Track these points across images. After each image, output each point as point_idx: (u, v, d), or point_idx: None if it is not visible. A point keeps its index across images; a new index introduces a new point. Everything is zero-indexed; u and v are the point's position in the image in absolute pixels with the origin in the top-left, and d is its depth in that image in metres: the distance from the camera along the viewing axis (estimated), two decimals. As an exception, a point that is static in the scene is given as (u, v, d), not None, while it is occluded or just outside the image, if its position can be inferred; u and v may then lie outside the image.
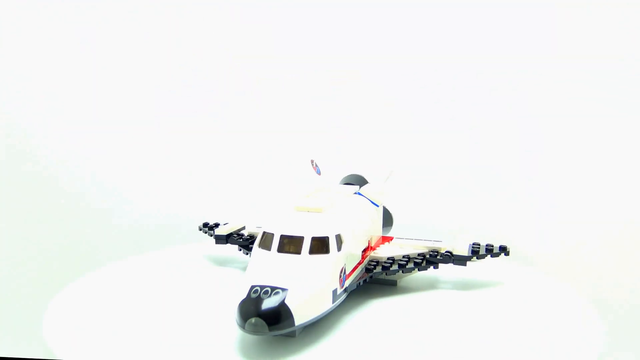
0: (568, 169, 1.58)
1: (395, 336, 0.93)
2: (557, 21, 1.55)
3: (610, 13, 1.51)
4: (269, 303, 0.81)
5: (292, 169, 1.68)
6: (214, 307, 1.03)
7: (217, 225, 1.33)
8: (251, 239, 1.24)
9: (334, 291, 0.91)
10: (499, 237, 1.27)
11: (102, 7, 1.64)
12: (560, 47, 1.55)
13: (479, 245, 1.15)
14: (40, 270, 1.65)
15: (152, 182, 1.72)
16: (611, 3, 1.50)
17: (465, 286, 1.15)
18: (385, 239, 1.24)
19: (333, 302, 0.92)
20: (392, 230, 1.32)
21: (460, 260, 1.10)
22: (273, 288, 0.83)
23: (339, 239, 0.94)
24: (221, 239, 1.24)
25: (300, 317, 0.83)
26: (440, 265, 1.12)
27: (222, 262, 1.30)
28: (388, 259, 1.10)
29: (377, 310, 1.03)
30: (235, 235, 1.25)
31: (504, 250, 1.14)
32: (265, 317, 0.80)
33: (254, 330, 0.81)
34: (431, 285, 1.15)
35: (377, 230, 1.21)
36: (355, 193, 1.20)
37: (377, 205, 1.23)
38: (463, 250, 1.11)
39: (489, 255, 1.13)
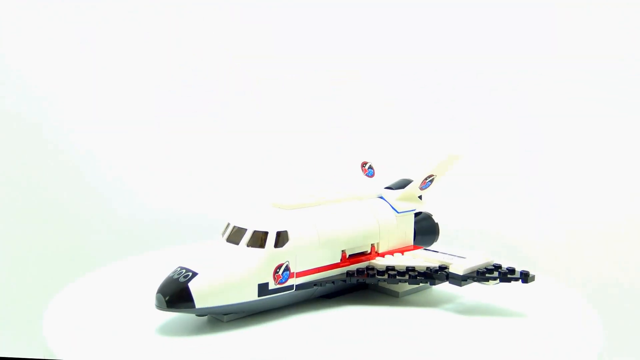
0: (568, 169, 1.58)
1: (393, 333, 0.93)
2: (557, 21, 1.55)
3: (610, 13, 1.51)
4: (174, 283, 0.89)
5: (292, 169, 1.68)
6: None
7: None
8: None
9: (263, 285, 0.94)
10: (499, 237, 1.27)
11: (102, 7, 1.64)
12: (560, 47, 1.55)
13: (489, 266, 1.02)
14: (40, 270, 1.65)
15: (152, 182, 1.72)
16: (611, 3, 1.50)
17: (463, 285, 1.14)
18: (413, 248, 1.14)
19: (261, 296, 0.94)
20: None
21: (455, 280, 1.00)
22: (188, 270, 0.90)
23: (281, 236, 0.96)
24: None
25: (203, 301, 0.89)
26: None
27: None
28: (387, 267, 1.04)
29: (373, 312, 1.03)
30: None
31: (522, 276, 1.00)
32: (166, 294, 0.88)
33: (156, 305, 0.90)
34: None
35: (390, 237, 1.12)
36: (379, 197, 1.16)
37: (397, 212, 1.14)
38: (458, 270, 1.00)
39: (493, 281, 1.00)
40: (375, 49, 1.64)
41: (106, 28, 1.66)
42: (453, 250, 1.12)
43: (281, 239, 0.96)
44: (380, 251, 1.11)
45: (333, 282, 1.03)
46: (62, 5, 1.64)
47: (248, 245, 0.95)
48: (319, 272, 1.02)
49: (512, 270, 1.01)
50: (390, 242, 1.12)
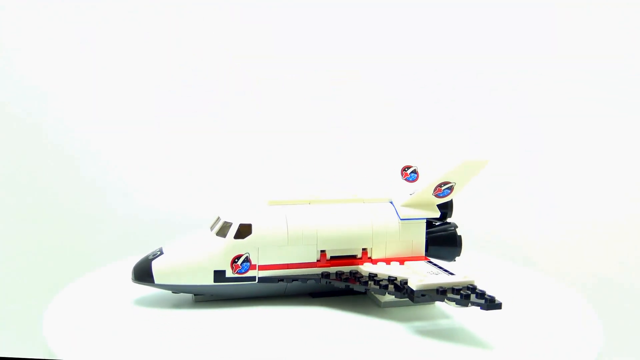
0: (568, 169, 1.58)
1: (390, 334, 0.93)
2: (557, 21, 1.55)
3: (610, 13, 1.51)
4: (144, 260, 1.02)
5: (292, 169, 1.68)
6: (213, 307, 1.03)
7: None
8: None
9: (219, 272, 1.00)
10: (499, 237, 1.27)
11: (102, 7, 1.64)
12: (560, 47, 1.55)
13: (460, 287, 0.92)
14: (40, 270, 1.65)
15: (152, 182, 1.72)
16: (611, 3, 1.50)
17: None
18: (424, 259, 1.07)
19: (217, 282, 1.01)
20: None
21: (411, 295, 0.93)
22: (160, 251, 1.03)
23: (244, 228, 1.01)
24: None
25: (161, 278, 1.00)
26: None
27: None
28: (370, 275, 1.00)
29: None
30: None
31: (486, 302, 0.88)
32: (135, 269, 1.02)
33: (131, 278, 1.03)
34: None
35: (389, 244, 1.06)
36: (390, 202, 1.10)
37: (401, 218, 1.07)
38: (412, 285, 0.93)
39: (452, 302, 0.91)
40: (375, 49, 1.64)
41: (106, 28, 1.66)
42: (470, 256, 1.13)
43: (243, 231, 1.00)
44: (374, 257, 1.05)
45: (300, 280, 1.02)
46: (62, 5, 1.64)
47: (217, 234, 1.02)
48: (287, 268, 1.02)
49: (481, 294, 0.90)
50: (389, 249, 1.06)
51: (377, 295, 1.03)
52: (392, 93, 1.65)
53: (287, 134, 1.68)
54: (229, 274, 1.00)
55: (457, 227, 1.13)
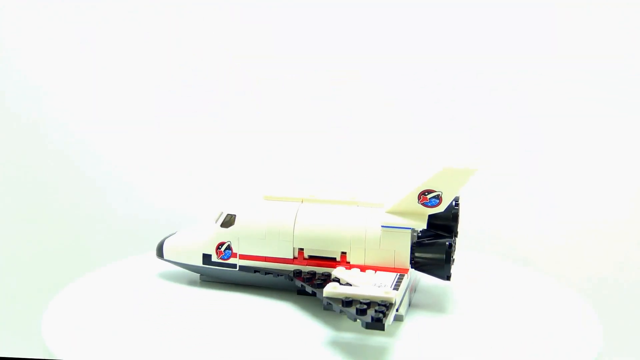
0: (568, 169, 1.58)
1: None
2: (557, 21, 1.55)
3: (610, 13, 1.51)
4: (162, 239, 1.16)
5: (292, 169, 1.68)
6: (213, 307, 1.03)
7: None
8: None
9: (207, 255, 1.10)
10: (498, 237, 1.27)
11: (102, 7, 1.64)
12: (560, 47, 1.55)
13: (375, 300, 0.86)
14: (40, 270, 1.66)
15: (152, 182, 1.72)
16: (611, 3, 1.50)
17: (463, 286, 1.14)
18: (399, 270, 1.00)
19: (205, 264, 1.10)
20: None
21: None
22: (175, 232, 1.16)
23: (229, 218, 1.09)
24: None
25: (168, 254, 1.14)
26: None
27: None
28: (333, 279, 0.97)
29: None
30: None
31: (373, 321, 0.81)
32: (156, 246, 1.16)
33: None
34: (429, 282, 1.14)
35: (368, 250, 1.01)
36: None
37: (381, 225, 1.01)
38: (324, 292, 0.89)
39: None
40: (375, 49, 1.64)
41: (106, 28, 1.66)
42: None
43: (229, 220, 1.09)
44: (352, 262, 1.02)
45: (272, 275, 1.05)
46: (62, 5, 1.64)
47: (215, 222, 1.10)
48: (263, 261, 1.06)
49: (381, 312, 0.82)
50: (369, 256, 1.02)
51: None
52: (392, 93, 1.65)
53: (287, 134, 1.68)
54: (214, 258, 1.09)
55: (452, 244, 1.00)
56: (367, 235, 1.01)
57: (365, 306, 0.84)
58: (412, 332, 0.94)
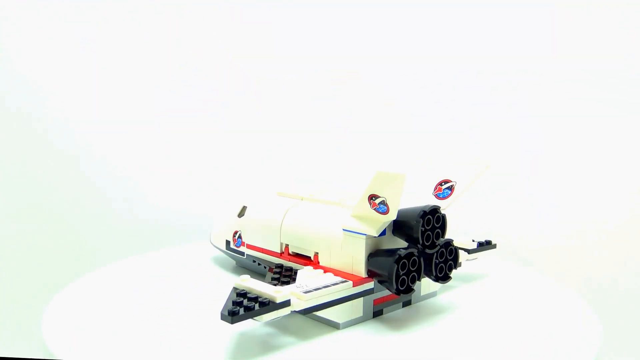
0: (568, 169, 1.58)
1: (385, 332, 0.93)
2: (557, 21, 1.55)
3: (610, 13, 1.51)
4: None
5: (292, 169, 1.68)
6: (214, 307, 1.03)
7: None
8: None
9: (227, 242, 1.22)
10: (498, 237, 1.26)
11: (102, 7, 1.65)
12: (560, 47, 1.55)
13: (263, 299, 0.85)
14: (40, 270, 1.66)
15: (152, 182, 1.72)
16: (611, 3, 1.50)
17: (463, 285, 1.15)
18: (354, 277, 0.94)
19: (227, 249, 1.23)
20: None
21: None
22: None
23: (242, 210, 1.19)
24: None
25: (212, 239, 1.28)
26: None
27: (221, 262, 1.30)
28: (292, 277, 0.99)
29: None
30: None
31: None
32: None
33: None
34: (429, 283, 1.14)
35: (332, 253, 0.99)
36: None
37: (342, 228, 0.98)
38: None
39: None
40: (375, 49, 1.64)
41: (106, 28, 1.66)
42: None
43: (242, 211, 1.19)
44: (321, 263, 1.01)
45: (262, 266, 1.13)
46: (62, 5, 1.64)
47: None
48: (260, 252, 1.14)
49: (251, 307, 0.82)
50: (333, 259, 0.99)
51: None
52: (392, 93, 1.65)
53: (287, 133, 1.68)
54: (232, 245, 1.21)
55: (413, 259, 0.93)
56: (331, 237, 1.00)
57: (253, 302, 0.83)
58: (412, 332, 0.94)
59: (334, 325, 0.95)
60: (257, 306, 0.82)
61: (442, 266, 0.99)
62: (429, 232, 0.95)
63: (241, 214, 1.19)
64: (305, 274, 0.97)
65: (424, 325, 0.97)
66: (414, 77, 1.64)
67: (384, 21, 1.64)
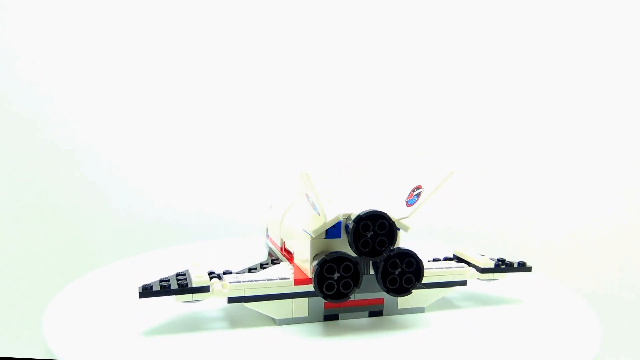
0: (568, 169, 1.58)
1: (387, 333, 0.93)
2: (557, 21, 1.55)
3: (610, 13, 1.51)
4: None
5: (292, 169, 1.68)
6: (213, 307, 1.03)
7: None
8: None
9: (266, 233, 1.29)
10: (498, 236, 1.27)
11: (102, 7, 1.65)
12: (560, 47, 1.55)
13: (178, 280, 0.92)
14: (40, 270, 1.66)
15: (152, 182, 1.72)
16: (611, 3, 1.51)
17: (463, 285, 1.15)
18: (302, 277, 0.95)
19: (266, 239, 1.29)
20: None
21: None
22: None
23: (271, 205, 1.25)
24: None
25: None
26: None
27: (221, 262, 1.30)
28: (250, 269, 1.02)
29: None
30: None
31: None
32: None
33: None
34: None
35: (297, 252, 1.00)
36: None
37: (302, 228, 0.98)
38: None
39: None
40: (375, 49, 1.64)
41: (106, 28, 1.66)
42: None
43: (271, 206, 1.25)
44: (294, 260, 1.02)
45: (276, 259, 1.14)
46: (62, 5, 1.64)
47: None
48: (274, 245, 1.18)
49: (166, 287, 0.91)
50: (296, 257, 1.00)
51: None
52: (392, 93, 1.65)
53: (287, 133, 1.68)
54: (265, 237, 1.29)
55: (356, 260, 0.90)
56: (296, 235, 1.00)
57: (175, 283, 0.92)
58: (412, 331, 0.94)
59: (274, 321, 0.96)
60: (175, 287, 0.91)
61: (395, 278, 0.92)
62: (368, 240, 0.91)
63: (269, 208, 1.26)
64: (271, 268, 1.00)
65: (423, 324, 0.97)
66: (414, 77, 1.64)
67: (383, 21, 1.64)
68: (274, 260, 1.09)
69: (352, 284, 0.90)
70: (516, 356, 0.87)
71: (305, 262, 0.94)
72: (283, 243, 1.10)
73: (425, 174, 0.94)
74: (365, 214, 0.89)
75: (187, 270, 0.96)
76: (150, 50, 1.67)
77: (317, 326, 0.95)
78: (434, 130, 1.64)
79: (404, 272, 0.92)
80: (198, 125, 1.70)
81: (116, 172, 1.71)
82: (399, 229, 0.93)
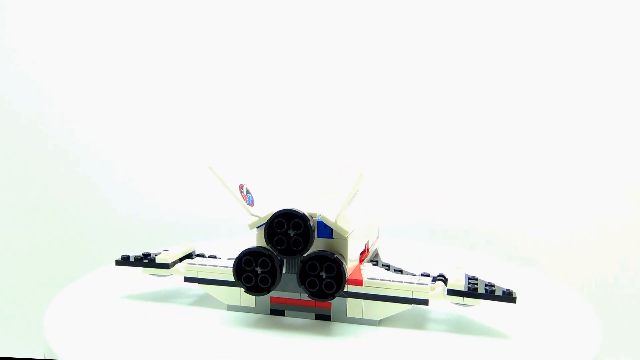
0: (568, 169, 1.58)
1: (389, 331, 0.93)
2: (557, 21, 1.55)
3: (610, 13, 1.51)
4: None
5: (291, 169, 1.68)
6: (214, 307, 1.03)
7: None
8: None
9: None
10: (498, 236, 1.27)
11: (102, 7, 1.65)
12: (560, 47, 1.55)
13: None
14: (40, 270, 1.66)
15: (152, 182, 1.72)
16: (611, 3, 1.51)
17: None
18: None
19: None
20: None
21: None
22: None
23: None
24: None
25: None
26: None
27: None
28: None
29: None
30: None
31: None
32: None
33: None
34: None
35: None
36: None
37: None
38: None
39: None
40: (375, 49, 1.64)
41: (106, 27, 1.66)
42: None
43: None
44: None
45: None
46: (62, 5, 1.64)
47: None
48: None
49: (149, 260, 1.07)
50: None
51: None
52: (392, 93, 1.65)
53: (287, 133, 1.68)
54: None
55: (273, 256, 0.93)
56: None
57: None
58: (412, 331, 0.94)
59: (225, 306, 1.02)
60: (146, 262, 1.05)
61: (314, 281, 0.91)
62: (282, 237, 0.92)
63: None
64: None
65: (423, 324, 0.97)
66: (414, 77, 1.64)
67: (383, 21, 1.64)
68: None
69: (269, 279, 0.92)
70: (516, 356, 0.87)
71: None
72: None
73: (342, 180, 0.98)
74: (282, 211, 0.92)
75: (169, 250, 1.08)
76: (150, 51, 1.67)
77: (263, 319, 0.99)
78: (434, 130, 1.64)
79: (322, 277, 0.91)
80: (198, 125, 1.70)
81: (116, 172, 1.71)
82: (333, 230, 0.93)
